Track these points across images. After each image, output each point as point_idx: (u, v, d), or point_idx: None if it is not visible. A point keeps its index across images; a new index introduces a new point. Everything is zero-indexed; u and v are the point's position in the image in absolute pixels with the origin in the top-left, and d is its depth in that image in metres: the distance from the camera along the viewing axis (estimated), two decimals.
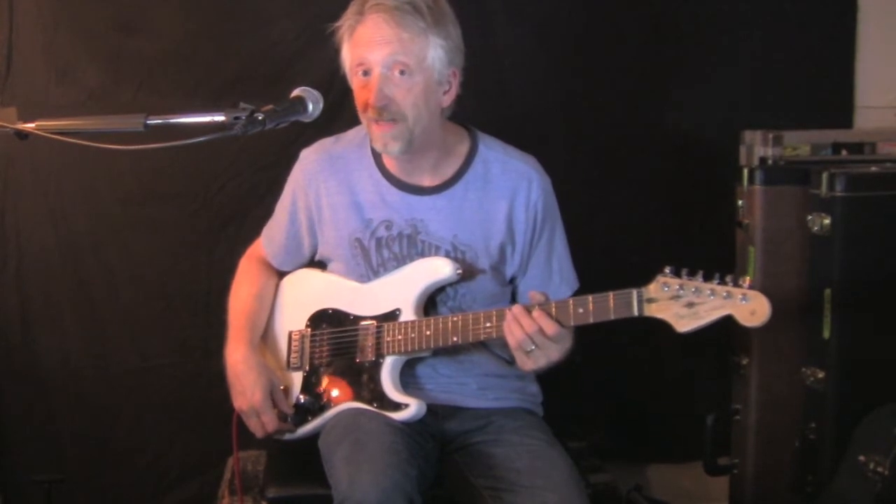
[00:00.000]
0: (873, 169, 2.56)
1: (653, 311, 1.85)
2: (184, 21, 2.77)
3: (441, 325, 2.04)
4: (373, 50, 1.96)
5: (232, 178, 2.83)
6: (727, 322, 2.69)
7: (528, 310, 1.93)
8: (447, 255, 2.10)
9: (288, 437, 2.16)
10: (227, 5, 2.80)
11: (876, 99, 3.03)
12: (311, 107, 1.96)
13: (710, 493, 2.93)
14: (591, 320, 1.90)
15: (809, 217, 2.49)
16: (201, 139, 1.79)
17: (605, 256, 2.90)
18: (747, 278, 1.81)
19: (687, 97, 2.98)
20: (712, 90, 2.97)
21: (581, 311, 1.90)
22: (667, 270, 1.85)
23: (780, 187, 2.58)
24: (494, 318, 1.98)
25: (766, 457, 2.64)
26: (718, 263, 2.69)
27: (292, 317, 2.24)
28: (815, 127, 2.79)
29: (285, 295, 2.28)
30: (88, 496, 2.89)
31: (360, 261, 2.15)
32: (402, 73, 1.97)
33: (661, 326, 3.04)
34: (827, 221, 2.44)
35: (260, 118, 1.82)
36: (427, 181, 2.12)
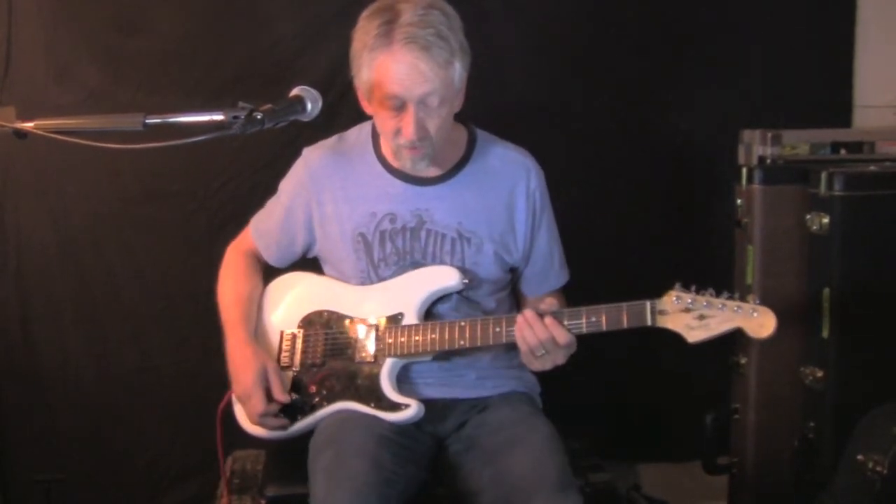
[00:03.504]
0: (872, 168, 2.56)
1: (665, 322, 1.93)
2: (183, 21, 2.77)
3: (447, 329, 2.06)
4: (410, 89, 1.95)
5: (231, 178, 2.83)
6: None
7: (541, 315, 1.96)
8: (453, 244, 2.14)
9: (279, 435, 2.15)
10: (227, 5, 2.80)
11: (875, 98, 3.03)
12: (309, 106, 1.97)
13: (709, 492, 2.93)
14: (604, 329, 1.97)
15: (808, 216, 2.49)
16: (200, 138, 1.80)
17: (603, 255, 2.90)
18: (753, 295, 1.92)
19: (686, 96, 2.98)
20: (711, 89, 2.97)
21: (594, 319, 1.97)
22: (677, 286, 1.94)
23: (778, 186, 2.58)
24: (504, 323, 2.03)
25: (765, 456, 2.64)
26: (717, 263, 2.72)
27: (285, 317, 2.24)
28: (814, 126, 2.79)
29: (278, 296, 2.28)
30: (88, 496, 2.89)
31: (361, 255, 2.16)
32: (434, 102, 1.99)
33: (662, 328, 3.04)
34: (826, 221, 2.44)
35: (259, 117, 1.83)
36: (430, 172, 2.15)
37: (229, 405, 2.19)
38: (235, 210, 2.81)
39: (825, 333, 2.47)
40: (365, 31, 1.98)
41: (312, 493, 1.91)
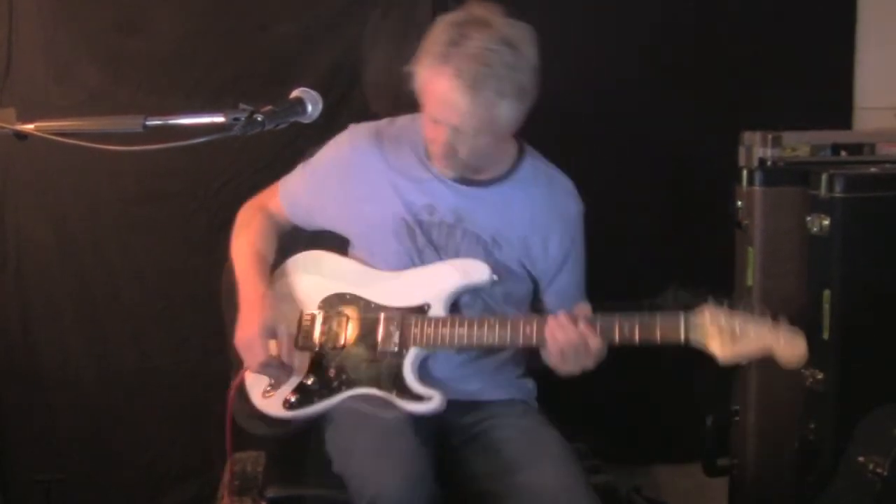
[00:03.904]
0: (872, 170, 2.56)
1: (697, 336, 1.89)
2: (183, 21, 2.77)
3: (477, 325, 2.04)
4: (443, 113, 1.97)
5: (231, 179, 2.83)
6: None
7: (574, 320, 1.95)
8: (486, 247, 2.13)
9: (293, 415, 2.11)
10: (227, 6, 2.80)
11: (875, 100, 3.03)
12: (310, 108, 1.97)
13: (709, 493, 2.93)
14: (637, 342, 1.94)
15: (809, 218, 2.48)
16: (201, 140, 1.79)
17: (604, 257, 2.89)
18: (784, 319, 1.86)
19: (686, 98, 2.98)
20: (712, 91, 2.97)
21: (626, 331, 1.94)
22: (709, 300, 1.90)
23: (779, 188, 2.58)
24: (535, 324, 2.00)
25: (765, 458, 2.64)
26: (718, 264, 2.71)
27: (305, 296, 2.20)
28: (814, 128, 2.79)
29: (299, 274, 2.24)
30: (88, 496, 2.89)
31: (404, 240, 2.14)
32: (469, 134, 1.98)
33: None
34: (826, 222, 2.44)
35: (259, 119, 1.83)
36: (477, 175, 2.14)
37: (242, 384, 2.16)
38: (236, 211, 2.79)
39: (825, 335, 2.46)
40: (434, 37, 1.96)
41: (357, 475, 1.88)
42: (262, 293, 2.11)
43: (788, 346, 1.83)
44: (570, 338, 1.94)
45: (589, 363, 1.97)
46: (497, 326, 2.03)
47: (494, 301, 2.15)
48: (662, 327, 1.92)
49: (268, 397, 2.14)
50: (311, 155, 2.26)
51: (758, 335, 1.85)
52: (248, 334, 2.06)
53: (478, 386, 2.18)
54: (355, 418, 2.03)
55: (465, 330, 2.04)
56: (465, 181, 2.13)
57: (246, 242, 2.22)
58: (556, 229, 2.17)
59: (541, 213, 2.16)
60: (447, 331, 2.05)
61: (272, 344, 2.06)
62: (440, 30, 1.95)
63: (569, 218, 2.20)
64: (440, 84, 1.93)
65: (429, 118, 2.02)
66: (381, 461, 1.87)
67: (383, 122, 2.23)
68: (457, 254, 2.13)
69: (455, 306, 2.12)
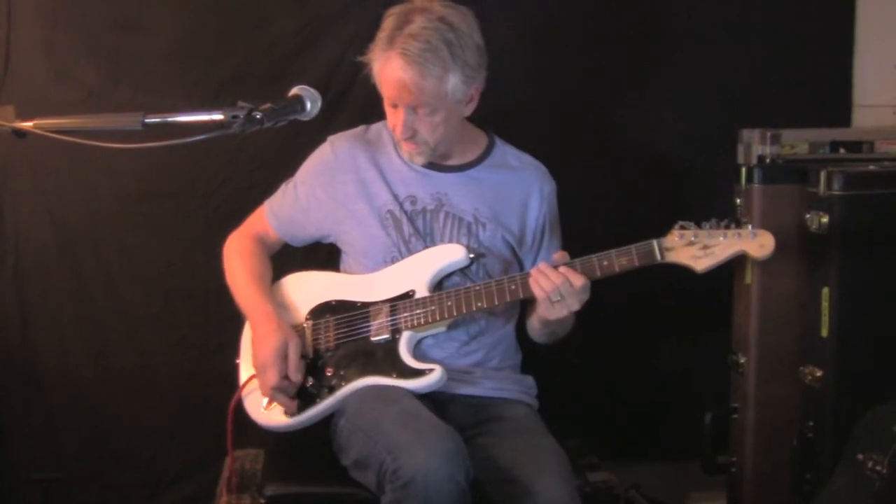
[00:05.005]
0: (871, 167, 2.56)
1: (671, 257, 2.04)
2: (182, 20, 2.77)
3: (463, 293, 2.12)
4: (395, 93, 2.09)
5: (231, 177, 2.83)
6: (726, 319, 2.71)
7: (554, 266, 2.05)
8: (469, 228, 2.22)
9: (298, 419, 2.15)
10: (226, 4, 2.80)
11: (874, 97, 3.02)
12: (309, 105, 1.98)
13: (708, 491, 2.94)
14: (617, 271, 2.05)
15: (808, 215, 2.48)
16: (200, 138, 1.80)
17: None
18: (748, 225, 2.07)
19: (685, 95, 2.97)
20: (710, 88, 2.97)
21: (606, 263, 2.05)
22: (679, 223, 2.05)
23: (778, 186, 2.57)
24: (518, 280, 2.09)
25: (764, 455, 2.64)
26: None
27: (291, 314, 2.26)
28: (813, 125, 2.79)
29: (282, 296, 2.30)
30: (87, 495, 2.88)
31: (391, 231, 2.22)
32: (425, 111, 2.10)
33: (660, 321, 3.03)
34: (825, 220, 2.43)
35: (258, 117, 1.84)
36: (451, 162, 2.27)
37: (240, 401, 2.20)
38: (234, 209, 2.80)
39: (824, 333, 2.46)
40: (383, 28, 2.10)
41: (391, 451, 1.88)
42: (269, 313, 2.18)
43: (757, 243, 2.04)
44: (554, 282, 2.02)
45: (575, 304, 2.05)
46: (482, 290, 2.11)
47: (480, 281, 2.20)
48: (639, 255, 2.04)
49: (268, 410, 2.18)
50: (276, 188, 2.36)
51: (727, 242, 2.03)
52: (263, 358, 2.12)
53: (475, 376, 2.20)
54: (373, 403, 2.06)
55: (452, 301, 2.12)
56: (439, 168, 2.25)
57: (241, 267, 2.30)
58: (532, 207, 2.29)
59: (516, 192, 2.28)
60: (435, 307, 2.13)
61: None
62: (387, 21, 2.11)
63: (543, 196, 2.31)
64: (390, 65, 2.07)
65: (388, 105, 2.14)
66: (416, 441, 1.88)
67: (359, 128, 2.35)
68: (442, 237, 2.22)
69: (440, 289, 2.18)
